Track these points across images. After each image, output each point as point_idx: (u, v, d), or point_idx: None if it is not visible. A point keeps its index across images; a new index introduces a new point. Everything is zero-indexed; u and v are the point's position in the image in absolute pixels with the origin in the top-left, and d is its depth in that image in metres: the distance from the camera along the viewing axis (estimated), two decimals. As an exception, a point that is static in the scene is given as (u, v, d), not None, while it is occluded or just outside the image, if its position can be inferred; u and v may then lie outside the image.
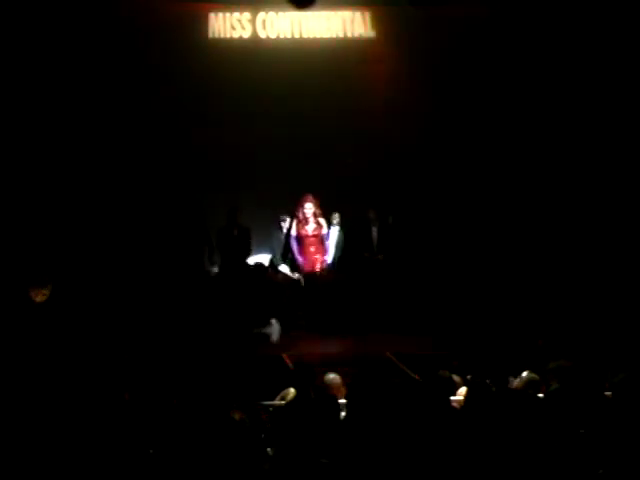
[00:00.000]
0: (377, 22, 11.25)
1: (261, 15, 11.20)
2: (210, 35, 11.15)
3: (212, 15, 11.14)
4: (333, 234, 10.12)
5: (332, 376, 5.47)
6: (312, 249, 9.85)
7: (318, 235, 9.89)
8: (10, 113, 10.17)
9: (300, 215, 9.84)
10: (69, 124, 10.58)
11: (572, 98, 10.80)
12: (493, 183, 10.90)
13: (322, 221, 9.93)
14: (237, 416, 4.76)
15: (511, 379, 5.65)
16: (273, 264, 10.11)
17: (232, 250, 9.88)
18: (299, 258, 9.86)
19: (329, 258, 10.02)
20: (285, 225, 10.09)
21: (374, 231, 10.14)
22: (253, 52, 11.08)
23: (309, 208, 9.81)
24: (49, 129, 10.48)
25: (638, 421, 4.88)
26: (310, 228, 9.83)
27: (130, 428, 4.71)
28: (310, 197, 9.86)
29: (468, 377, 5.55)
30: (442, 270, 9.98)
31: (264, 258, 10.23)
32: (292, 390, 5.47)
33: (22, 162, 10.22)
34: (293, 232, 9.88)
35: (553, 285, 10.06)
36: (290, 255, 10.03)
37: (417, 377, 6.80)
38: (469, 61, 11.03)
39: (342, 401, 5.22)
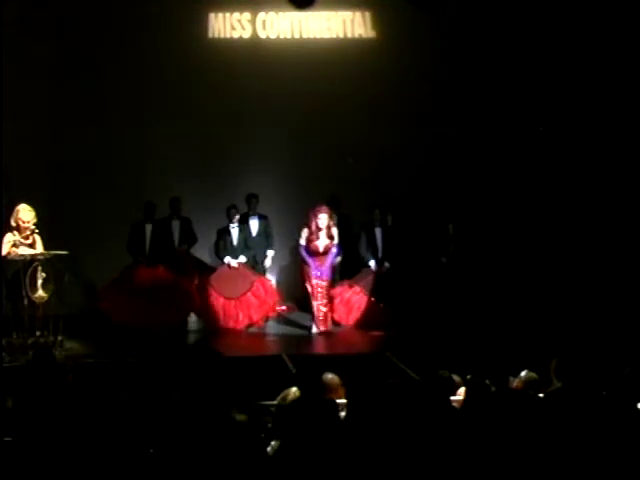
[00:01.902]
0: (377, 22, 11.27)
1: (261, 15, 11.21)
2: (210, 35, 11.16)
3: (212, 15, 11.16)
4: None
5: (330, 376, 5.43)
6: (319, 258, 9.50)
7: (329, 250, 9.52)
8: None
9: (313, 226, 9.42)
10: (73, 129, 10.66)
11: (574, 97, 10.84)
12: (493, 182, 10.92)
13: (334, 232, 9.51)
14: (237, 416, 4.76)
15: (511, 379, 5.64)
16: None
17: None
18: (310, 261, 9.53)
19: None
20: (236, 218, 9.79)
21: (378, 232, 10.03)
22: (253, 52, 11.09)
23: (324, 219, 9.38)
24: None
25: (637, 420, 4.88)
26: (322, 244, 9.43)
27: (130, 428, 4.72)
28: (325, 207, 9.46)
29: (468, 377, 5.53)
30: (442, 271, 9.97)
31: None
32: (293, 390, 5.46)
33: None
34: (303, 242, 9.52)
35: (553, 284, 10.08)
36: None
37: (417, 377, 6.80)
38: (470, 61, 11.05)
39: (341, 401, 5.22)
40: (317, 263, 9.51)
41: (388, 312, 9.64)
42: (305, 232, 9.51)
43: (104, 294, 9.66)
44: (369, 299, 9.75)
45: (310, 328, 9.60)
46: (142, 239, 9.81)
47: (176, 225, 9.98)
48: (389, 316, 9.59)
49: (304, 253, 9.57)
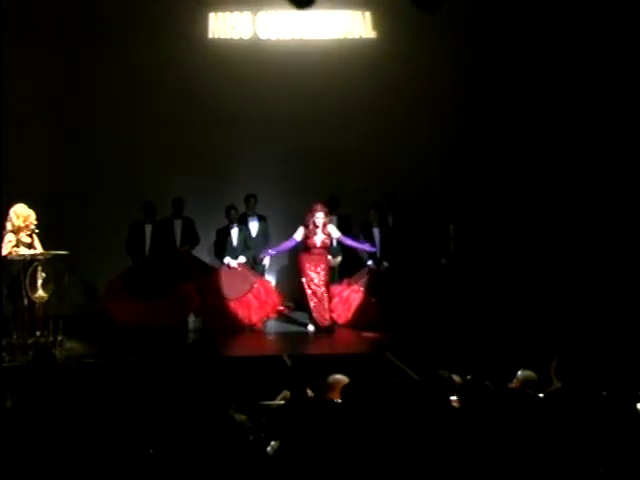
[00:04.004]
0: (378, 23, 11.26)
1: (261, 15, 11.20)
2: (210, 35, 11.16)
3: (212, 15, 11.15)
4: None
5: (339, 377, 5.42)
6: (316, 259, 9.52)
7: (326, 246, 9.57)
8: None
9: (310, 224, 9.45)
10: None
11: (575, 98, 10.84)
12: (494, 182, 10.92)
13: (331, 230, 9.56)
14: (237, 416, 4.76)
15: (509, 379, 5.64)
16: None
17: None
18: (305, 265, 9.55)
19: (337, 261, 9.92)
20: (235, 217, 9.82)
21: (376, 232, 10.01)
22: (253, 52, 11.09)
23: (320, 217, 9.40)
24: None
25: (637, 419, 4.88)
26: (319, 239, 9.46)
27: (130, 428, 4.72)
28: (321, 206, 9.49)
29: (468, 377, 5.53)
30: (443, 271, 9.97)
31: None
32: (291, 390, 5.46)
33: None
34: (299, 237, 9.50)
35: (554, 285, 10.08)
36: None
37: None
38: (470, 62, 11.05)
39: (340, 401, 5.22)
40: (310, 265, 9.54)
41: (387, 311, 9.64)
42: (302, 230, 9.50)
43: (105, 294, 9.68)
44: (368, 297, 9.75)
45: (306, 325, 9.66)
46: (142, 239, 9.81)
47: (178, 225, 9.99)
48: (388, 315, 9.60)
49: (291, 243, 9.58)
